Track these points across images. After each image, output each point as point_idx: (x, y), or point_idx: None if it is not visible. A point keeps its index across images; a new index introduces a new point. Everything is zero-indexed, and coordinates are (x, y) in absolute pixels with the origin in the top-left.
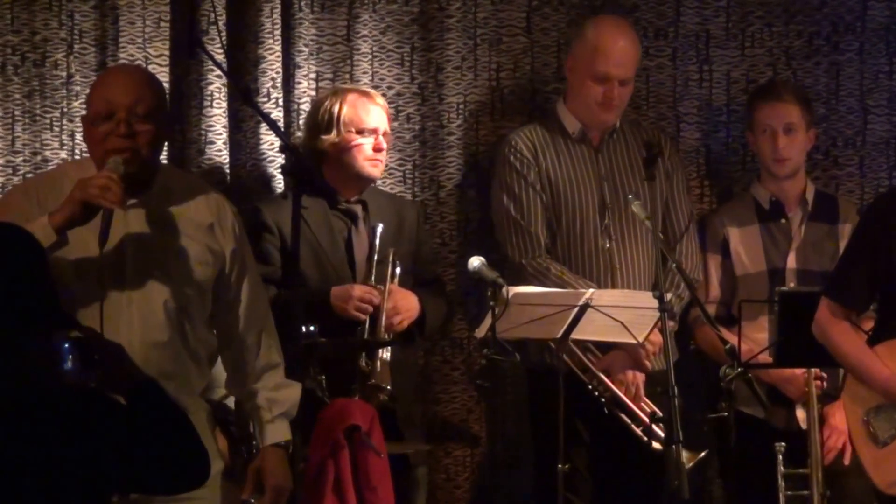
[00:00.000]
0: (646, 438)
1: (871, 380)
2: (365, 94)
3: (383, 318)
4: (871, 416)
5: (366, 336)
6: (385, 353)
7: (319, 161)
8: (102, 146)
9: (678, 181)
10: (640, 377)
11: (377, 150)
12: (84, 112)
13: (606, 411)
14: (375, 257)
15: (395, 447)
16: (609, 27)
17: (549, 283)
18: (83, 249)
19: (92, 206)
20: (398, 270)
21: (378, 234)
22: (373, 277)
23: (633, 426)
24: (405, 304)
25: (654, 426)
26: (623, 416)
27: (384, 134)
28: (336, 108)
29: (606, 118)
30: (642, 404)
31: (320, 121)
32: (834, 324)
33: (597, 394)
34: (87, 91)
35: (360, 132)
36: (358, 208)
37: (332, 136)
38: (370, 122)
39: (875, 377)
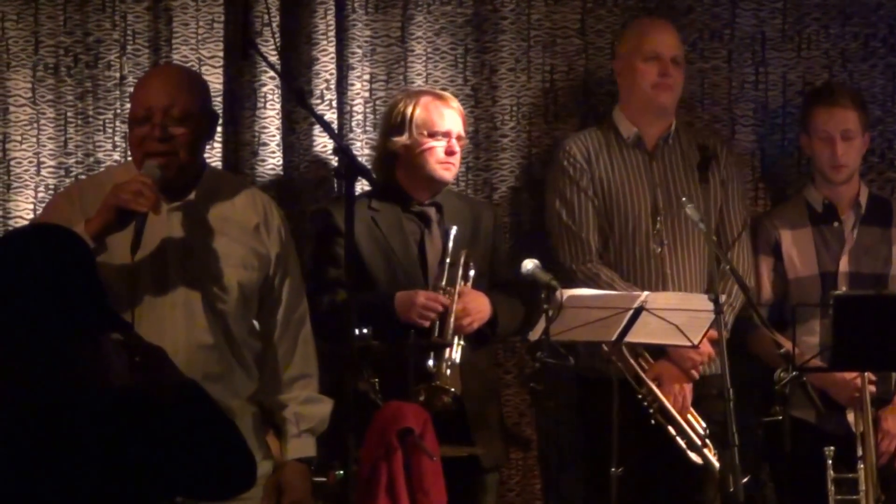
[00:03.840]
0: (689, 452)
1: None
2: (439, 96)
3: (451, 320)
4: None
5: (435, 336)
6: (455, 356)
7: (392, 163)
8: (140, 149)
9: (734, 189)
10: (688, 388)
11: (450, 153)
12: None
13: (653, 421)
14: (448, 260)
15: (464, 450)
16: (648, 19)
17: (600, 289)
18: (117, 255)
19: (126, 212)
20: (472, 273)
21: (452, 237)
22: (444, 280)
23: (679, 438)
24: (475, 306)
25: (697, 439)
26: (669, 427)
27: (458, 137)
28: (409, 110)
29: (664, 100)
30: (688, 416)
31: (393, 122)
32: None
33: (646, 403)
34: None
35: (433, 135)
36: (431, 211)
37: (404, 139)
38: (443, 124)
39: None
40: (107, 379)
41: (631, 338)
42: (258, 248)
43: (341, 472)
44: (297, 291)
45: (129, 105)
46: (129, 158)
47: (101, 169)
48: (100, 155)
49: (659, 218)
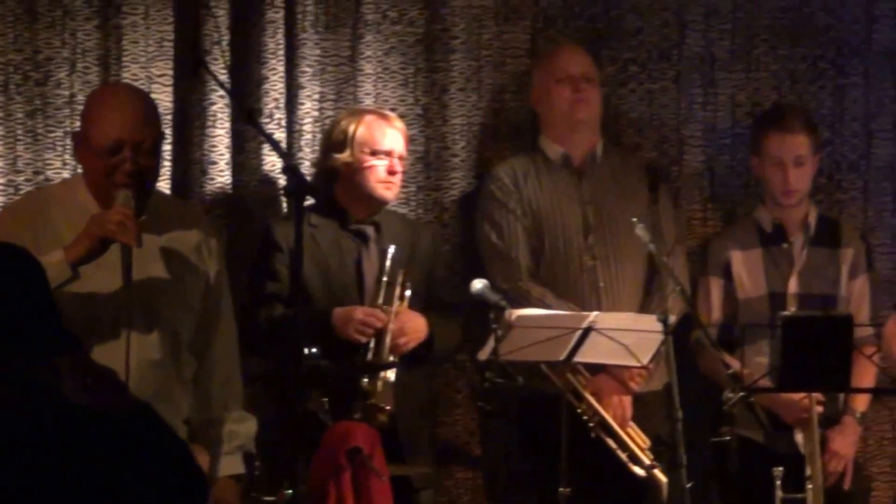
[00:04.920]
0: (631, 465)
1: None
2: (382, 115)
3: (388, 339)
4: None
5: (370, 357)
6: (389, 375)
7: (332, 180)
8: (108, 180)
9: (665, 206)
10: (627, 401)
11: (391, 172)
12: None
13: (593, 435)
14: (385, 279)
15: (398, 469)
16: (554, 46)
17: (532, 306)
18: (99, 282)
19: (108, 242)
20: (408, 293)
21: (389, 256)
22: (381, 299)
23: (619, 451)
24: (412, 326)
25: (639, 452)
26: (610, 440)
27: (399, 157)
28: (352, 128)
29: (582, 116)
30: (629, 429)
31: (335, 139)
32: None
33: (586, 418)
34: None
35: (375, 154)
36: (370, 229)
37: (346, 156)
38: (385, 143)
39: None
40: (61, 399)
41: (580, 357)
42: (200, 266)
43: (290, 491)
44: (230, 310)
45: (79, 122)
46: (75, 174)
47: None
48: (49, 173)
49: (591, 234)
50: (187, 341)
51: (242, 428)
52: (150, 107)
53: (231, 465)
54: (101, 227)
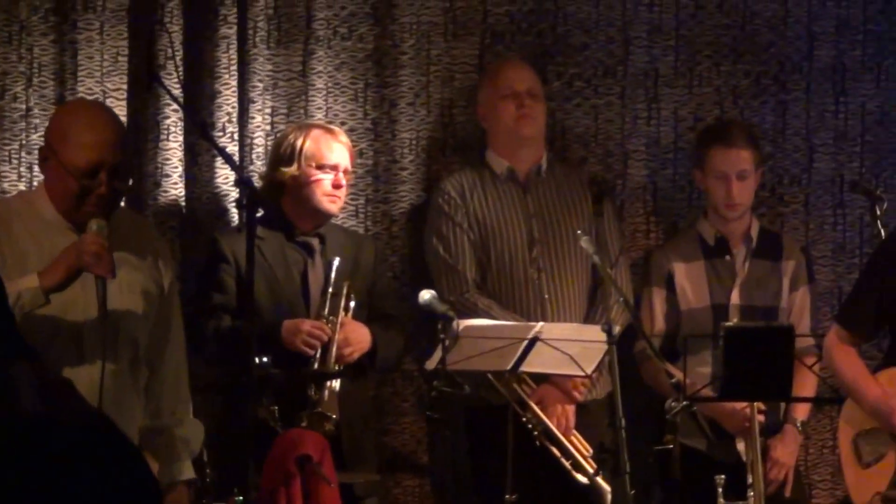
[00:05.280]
0: (575, 472)
1: (862, 401)
2: (329, 130)
3: (334, 350)
4: (860, 438)
5: (316, 366)
6: (335, 384)
7: (279, 193)
8: (81, 202)
9: (609, 219)
10: (571, 409)
11: (336, 186)
12: (42, 142)
13: (538, 444)
14: (330, 290)
15: (343, 477)
16: (499, 61)
17: (478, 317)
18: (73, 309)
19: (81, 271)
20: (352, 304)
21: (334, 268)
22: (326, 310)
23: (563, 460)
24: (356, 337)
25: (582, 460)
26: (554, 448)
27: (345, 171)
28: (299, 142)
29: (527, 131)
30: (572, 437)
31: (282, 153)
32: (839, 348)
33: (530, 426)
34: (48, 122)
35: (321, 167)
36: (315, 242)
37: (293, 170)
38: (331, 158)
39: (866, 398)
40: (17, 407)
41: (526, 367)
42: (156, 276)
43: (241, 497)
44: (180, 319)
45: (34, 136)
46: (37, 187)
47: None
48: (5, 185)
49: (536, 247)
50: (143, 350)
51: (192, 434)
52: (122, 127)
53: (185, 470)
54: (78, 258)
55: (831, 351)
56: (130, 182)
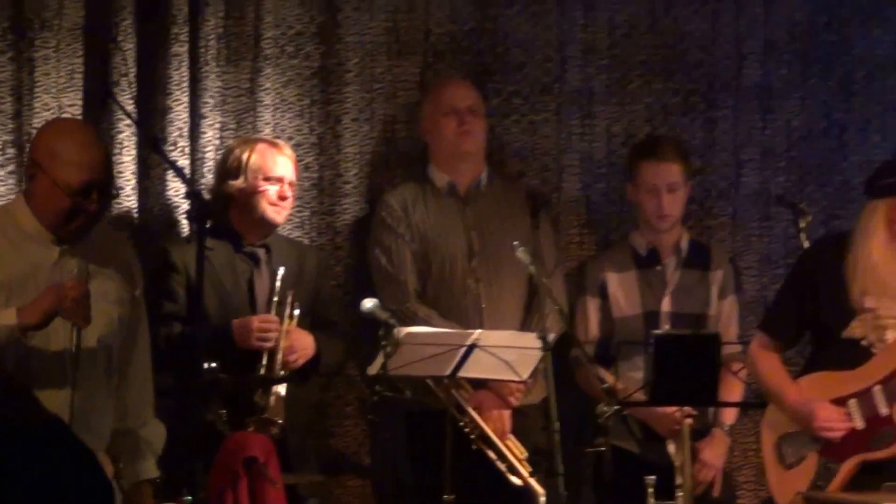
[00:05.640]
0: (509, 475)
1: (784, 405)
2: (274, 144)
3: (280, 356)
4: (783, 441)
5: (263, 372)
6: (280, 389)
7: (227, 205)
8: (69, 218)
9: (545, 231)
10: (507, 414)
11: (282, 197)
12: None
13: (475, 447)
14: (275, 298)
15: (288, 478)
16: (441, 80)
17: (418, 325)
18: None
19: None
20: (297, 312)
21: (279, 277)
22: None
23: (499, 462)
24: (301, 344)
25: (517, 462)
26: (490, 452)
27: (290, 183)
28: (245, 156)
29: (467, 147)
30: (508, 441)
31: (230, 167)
32: (762, 354)
33: (468, 430)
34: (34, 139)
35: (267, 179)
36: (261, 252)
37: (240, 182)
38: (277, 170)
39: (788, 402)
40: None
41: (464, 373)
42: (128, 286)
43: (189, 497)
44: (147, 326)
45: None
46: (15, 199)
47: None
48: None
49: (474, 258)
50: (115, 356)
51: (156, 435)
52: (107, 148)
53: (150, 469)
54: (59, 303)
55: (755, 357)
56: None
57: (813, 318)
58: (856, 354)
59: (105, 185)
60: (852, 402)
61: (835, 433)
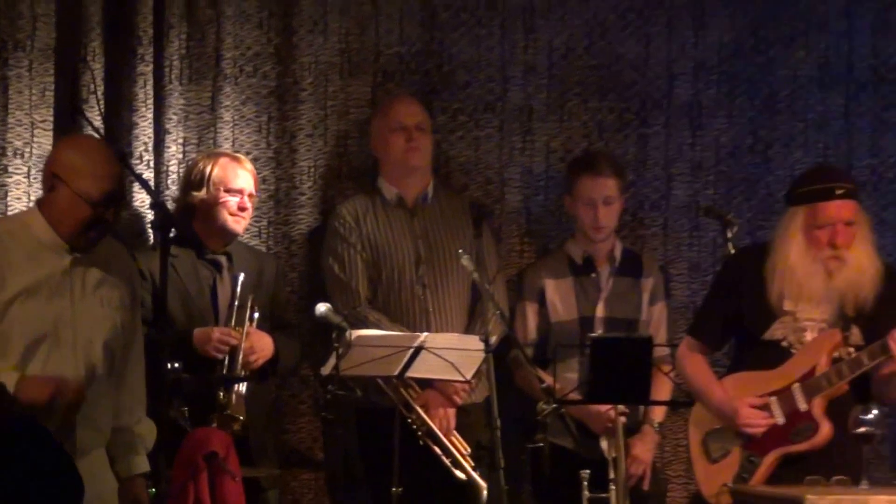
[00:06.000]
0: (454, 469)
1: (710, 403)
2: (235, 158)
3: (241, 357)
4: (708, 437)
5: (224, 372)
6: (241, 388)
7: (190, 215)
8: (88, 228)
9: (487, 240)
10: (452, 412)
11: (241, 208)
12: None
13: (421, 443)
14: (236, 303)
15: (248, 472)
16: (391, 97)
17: (369, 329)
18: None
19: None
20: (256, 315)
21: (239, 283)
22: (233, 321)
23: (444, 457)
24: (261, 345)
25: (461, 457)
26: (435, 447)
27: (249, 195)
28: (208, 169)
29: (415, 162)
30: (452, 437)
31: (193, 179)
32: (689, 356)
33: (415, 427)
34: (53, 155)
35: (228, 191)
36: (223, 259)
37: (202, 193)
38: (237, 183)
39: (713, 401)
40: None
41: (411, 373)
42: (128, 293)
43: (153, 490)
44: (141, 331)
45: None
46: (29, 210)
47: None
48: None
49: (422, 265)
50: (117, 358)
51: (148, 432)
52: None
53: (143, 464)
54: (59, 393)
55: (682, 359)
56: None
57: (736, 322)
58: (776, 355)
59: (121, 197)
60: (773, 400)
61: (757, 429)
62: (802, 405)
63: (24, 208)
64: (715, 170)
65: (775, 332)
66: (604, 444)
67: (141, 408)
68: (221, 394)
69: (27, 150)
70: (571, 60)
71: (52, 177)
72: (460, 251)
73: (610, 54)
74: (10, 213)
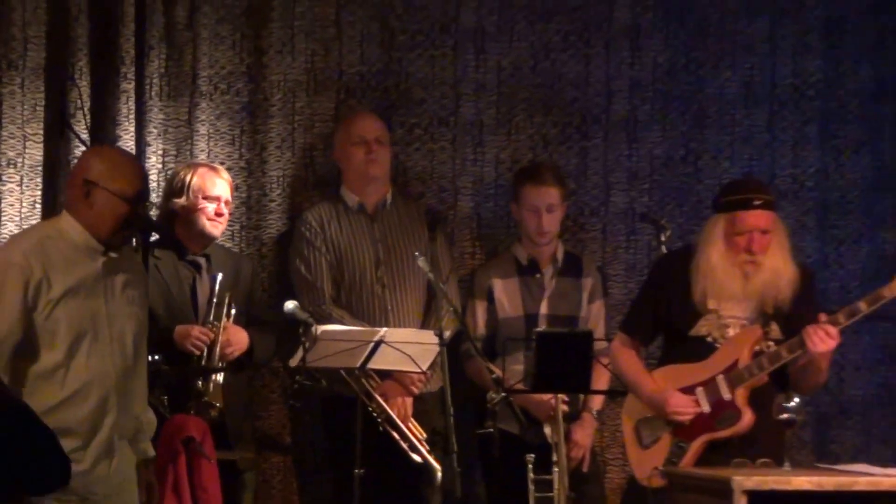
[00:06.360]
0: (411, 453)
1: (641, 394)
2: (213, 169)
3: (218, 349)
4: (640, 425)
5: (203, 363)
6: (219, 377)
7: (172, 220)
8: (123, 225)
9: (441, 243)
10: (409, 401)
11: (218, 214)
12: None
13: (381, 429)
14: (214, 300)
15: (226, 455)
16: (353, 112)
17: (334, 325)
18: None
19: None
20: (233, 311)
21: (217, 282)
22: (211, 316)
23: (402, 442)
24: (237, 339)
25: (417, 442)
26: (394, 433)
27: (226, 202)
28: (188, 178)
29: (374, 172)
30: (410, 424)
31: (174, 187)
32: (622, 351)
33: (375, 415)
34: (82, 163)
35: (206, 198)
36: (202, 260)
37: (183, 200)
38: (215, 191)
39: (644, 392)
40: None
41: (372, 365)
42: (144, 289)
43: None
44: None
45: None
46: (61, 216)
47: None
48: None
49: (381, 266)
50: (140, 350)
51: (151, 420)
52: None
53: (149, 450)
54: None
55: (615, 353)
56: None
57: (665, 320)
58: (702, 349)
59: (147, 194)
60: (699, 390)
61: (685, 417)
62: (726, 394)
63: (17, 213)
64: (650, 179)
65: (700, 328)
66: (547, 429)
67: (146, 397)
68: (200, 383)
69: (20, 160)
70: (518, 79)
71: (85, 184)
72: (416, 253)
73: (553, 74)
74: (2, 218)
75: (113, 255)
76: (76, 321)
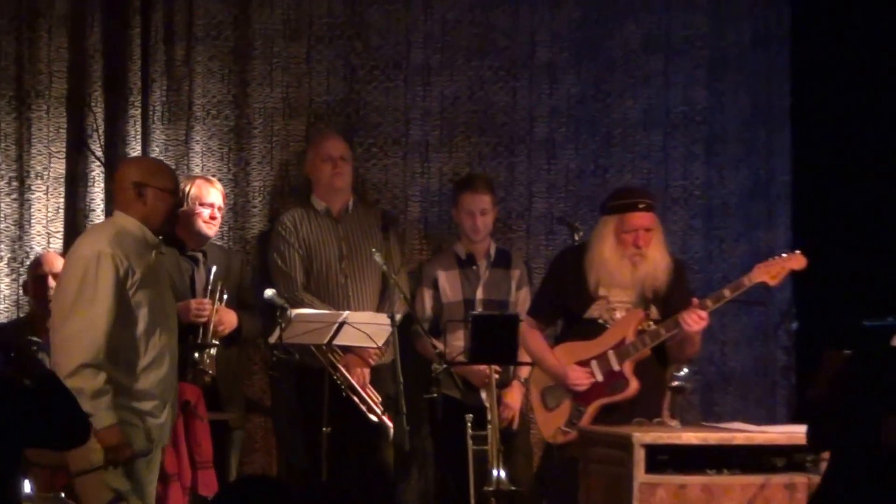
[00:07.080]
0: (368, 414)
1: (545, 367)
2: (208, 180)
3: (212, 327)
4: (545, 392)
5: (199, 339)
6: (212, 351)
7: (174, 222)
8: (173, 212)
9: (394, 241)
10: (367, 371)
11: (212, 217)
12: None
13: (344, 395)
14: (209, 288)
15: (217, 415)
16: (322, 132)
17: (305, 308)
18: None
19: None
20: (225, 297)
21: (212, 273)
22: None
23: (361, 405)
24: (228, 319)
25: (375, 406)
26: (355, 397)
27: (218, 208)
28: (187, 188)
29: (339, 184)
30: (368, 390)
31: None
32: (529, 332)
33: (339, 382)
34: (126, 172)
35: (202, 205)
36: (199, 255)
37: (183, 207)
38: (209, 198)
39: (547, 365)
40: None
41: (337, 342)
42: (169, 279)
43: None
44: None
45: None
46: (116, 215)
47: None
48: None
49: (343, 261)
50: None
51: None
52: None
53: None
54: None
55: (524, 334)
56: None
57: (563, 305)
58: (594, 329)
59: (178, 187)
60: (594, 363)
61: (581, 386)
62: (616, 366)
63: (44, 217)
64: (565, 189)
65: (593, 311)
66: (483, 394)
67: None
68: (196, 355)
69: (45, 173)
70: (458, 107)
71: (135, 186)
72: (373, 250)
73: (486, 102)
74: (32, 221)
75: (161, 251)
76: (150, 302)
